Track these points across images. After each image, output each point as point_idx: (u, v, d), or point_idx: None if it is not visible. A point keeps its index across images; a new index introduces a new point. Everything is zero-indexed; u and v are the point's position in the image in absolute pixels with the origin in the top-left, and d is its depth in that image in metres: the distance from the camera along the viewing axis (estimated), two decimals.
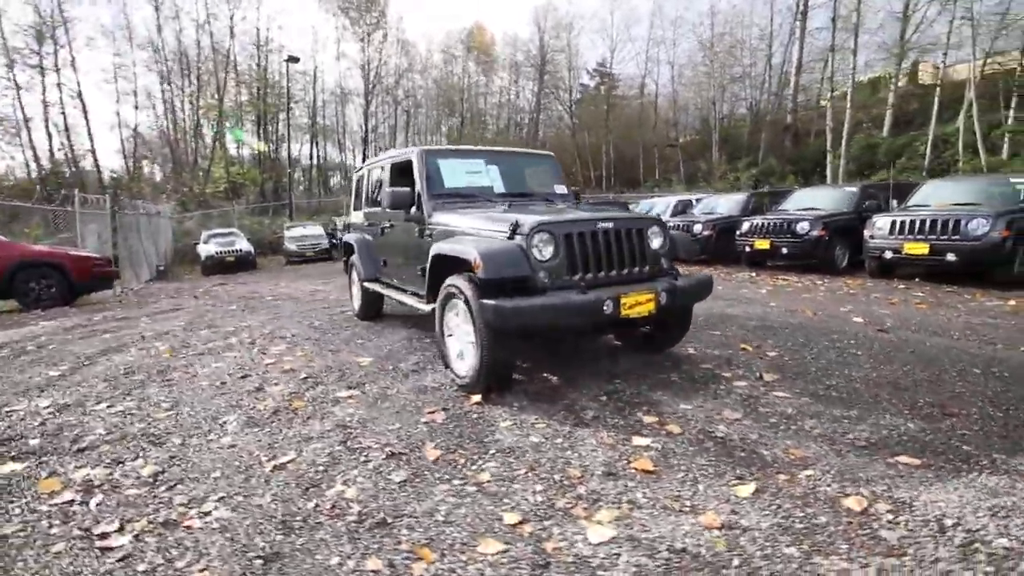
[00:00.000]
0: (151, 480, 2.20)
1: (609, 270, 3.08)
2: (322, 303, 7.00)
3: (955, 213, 6.26)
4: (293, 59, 19.44)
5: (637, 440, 2.40)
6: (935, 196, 7.21)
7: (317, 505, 1.96)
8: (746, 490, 1.95)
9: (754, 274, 8.53)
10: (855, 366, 3.41)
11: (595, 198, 22.97)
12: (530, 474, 2.13)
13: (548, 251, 2.90)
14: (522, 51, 38.36)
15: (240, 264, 15.41)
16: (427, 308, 3.68)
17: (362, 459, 2.33)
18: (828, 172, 21.59)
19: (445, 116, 40.86)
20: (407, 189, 3.83)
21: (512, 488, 2.03)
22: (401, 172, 4.47)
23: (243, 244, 15.94)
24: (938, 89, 18.76)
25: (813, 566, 1.55)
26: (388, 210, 3.93)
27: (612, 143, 33.73)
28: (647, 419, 2.64)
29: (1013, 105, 17.21)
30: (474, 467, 2.22)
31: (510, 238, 2.91)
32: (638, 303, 2.93)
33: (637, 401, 2.90)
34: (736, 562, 1.57)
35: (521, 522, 1.80)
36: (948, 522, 1.74)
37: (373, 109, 35.40)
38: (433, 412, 2.84)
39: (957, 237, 6.12)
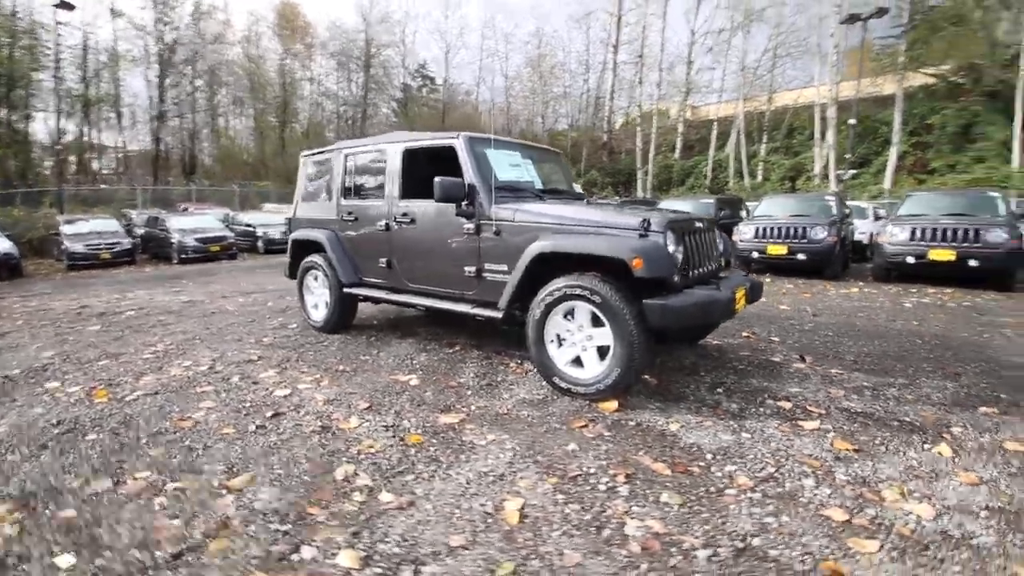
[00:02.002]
0: (370, 570, 1.57)
1: (703, 267, 3.22)
2: (229, 315, 5.60)
3: (802, 222, 8.05)
4: (66, 5, 14.56)
5: (805, 424, 2.59)
6: (774, 208, 9.13)
7: (645, 548, 1.66)
8: (946, 450, 2.29)
9: None
10: (843, 344, 4.18)
11: None
12: (784, 471, 2.14)
13: (674, 248, 2.90)
14: (347, 39, 36.01)
15: None
16: (495, 314, 3.32)
17: (599, 487, 2.03)
18: (639, 186, 25.37)
19: (255, 98, 35.93)
20: (460, 180, 3.38)
21: (788, 488, 2.02)
22: (415, 159, 3.92)
23: (0, 243, 11.63)
24: (715, 123, 23.67)
25: None
26: (437, 202, 3.38)
27: None
28: (783, 405, 2.85)
29: (765, 140, 22.73)
30: (722, 475, 2.13)
31: (642, 236, 2.83)
32: (742, 298, 3.14)
33: (747, 390, 3.10)
34: None
35: (849, 519, 1.81)
36: None
37: (167, 83, 29.14)
38: (585, 426, 2.60)
39: (805, 241, 7.89)
